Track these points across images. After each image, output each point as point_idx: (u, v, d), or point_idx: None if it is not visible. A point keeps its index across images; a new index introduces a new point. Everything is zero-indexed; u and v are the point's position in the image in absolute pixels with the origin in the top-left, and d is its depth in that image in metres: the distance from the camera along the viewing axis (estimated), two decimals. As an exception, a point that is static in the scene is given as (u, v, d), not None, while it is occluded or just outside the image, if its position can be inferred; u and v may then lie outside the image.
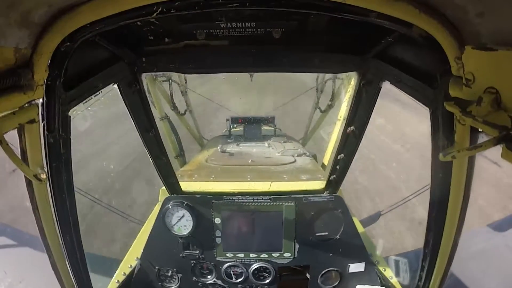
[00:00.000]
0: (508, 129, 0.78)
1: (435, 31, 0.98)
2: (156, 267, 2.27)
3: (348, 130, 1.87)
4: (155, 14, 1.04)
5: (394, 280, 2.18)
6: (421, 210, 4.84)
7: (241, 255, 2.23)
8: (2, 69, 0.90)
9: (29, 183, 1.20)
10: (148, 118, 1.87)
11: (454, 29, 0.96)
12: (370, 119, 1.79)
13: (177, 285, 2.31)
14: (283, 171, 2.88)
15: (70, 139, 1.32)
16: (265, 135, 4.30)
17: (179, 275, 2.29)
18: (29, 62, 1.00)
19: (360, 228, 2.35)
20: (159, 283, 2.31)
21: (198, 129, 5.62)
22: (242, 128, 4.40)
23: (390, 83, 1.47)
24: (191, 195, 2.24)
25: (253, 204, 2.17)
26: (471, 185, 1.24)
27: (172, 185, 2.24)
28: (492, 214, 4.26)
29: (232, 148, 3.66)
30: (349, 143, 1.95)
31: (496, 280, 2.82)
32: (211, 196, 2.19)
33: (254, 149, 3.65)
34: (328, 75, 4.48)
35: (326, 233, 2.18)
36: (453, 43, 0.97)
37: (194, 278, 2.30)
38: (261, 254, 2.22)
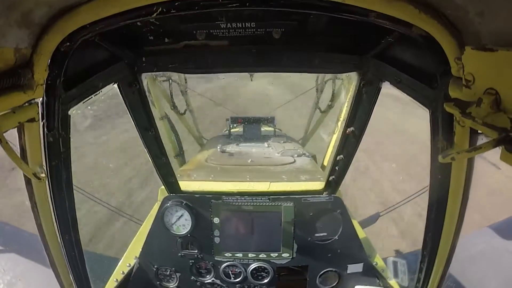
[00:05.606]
0: (508, 131, 0.78)
1: (435, 31, 0.98)
2: (155, 266, 2.27)
3: (347, 131, 1.88)
4: (155, 14, 1.04)
5: (392, 281, 2.18)
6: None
7: (240, 255, 2.23)
8: (2, 69, 0.90)
9: (28, 182, 1.20)
10: (148, 118, 1.87)
11: (454, 30, 0.95)
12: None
13: (176, 284, 2.31)
14: (283, 172, 2.88)
15: (69, 138, 1.32)
16: (264, 135, 4.30)
17: (178, 274, 2.29)
18: (29, 62, 1.00)
19: (358, 229, 2.35)
20: (158, 282, 2.31)
21: (198, 129, 5.62)
22: (242, 128, 4.40)
23: (390, 83, 1.47)
24: (190, 194, 2.24)
25: (252, 204, 2.17)
26: (470, 187, 1.24)
27: (171, 184, 2.24)
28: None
29: (231, 148, 3.66)
30: (349, 144, 1.95)
31: (496, 282, 2.82)
32: (210, 195, 2.19)
33: (253, 149, 3.66)
34: (328, 76, 4.47)
35: (325, 234, 2.18)
36: (453, 44, 0.97)
37: (193, 277, 2.30)
38: (260, 254, 2.22)
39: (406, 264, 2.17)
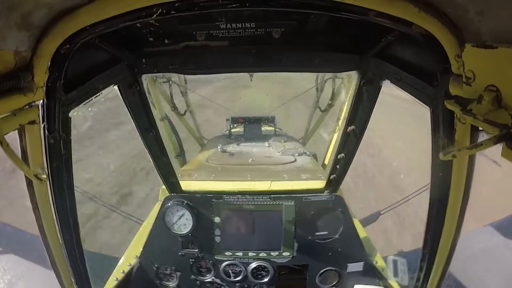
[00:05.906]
0: (509, 128, 0.78)
1: (435, 29, 0.98)
2: (155, 266, 2.28)
3: (348, 129, 1.88)
4: (154, 16, 1.04)
5: (392, 280, 2.18)
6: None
7: (240, 254, 2.24)
8: (2, 71, 0.90)
9: (29, 183, 1.20)
10: (148, 119, 1.87)
11: (454, 28, 0.96)
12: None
13: (176, 283, 2.32)
14: (283, 171, 2.88)
15: (70, 140, 1.33)
16: (265, 134, 4.29)
17: (178, 273, 2.30)
18: (29, 65, 1.00)
19: (359, 228, 2.35)
20: (158, 281, 2.32)
21: (198, 129, 5.62)
22: (242, 128, 4.40)
23: (391, 81, 1.47)
24: (191, 194, 2.24)
25: (253, 203, 2.17)
26: (471, 184, 1.24)
27: (172, 184, 2.25)
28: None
29: (232, 147, 3.66)
30: (349, 142, 1.95)
31: (496, 280, 2.81)
32: (211, 195, 2.19)
33: (254, 148, 3.65)
34: (328, 75, 4.47)
35: (326, 233, 2.18)
36: (453, 42, 0.97)
37: (193, 276, 2.30)
38: (260, 253, 2.22)
39: (406, 262, 2.17)
